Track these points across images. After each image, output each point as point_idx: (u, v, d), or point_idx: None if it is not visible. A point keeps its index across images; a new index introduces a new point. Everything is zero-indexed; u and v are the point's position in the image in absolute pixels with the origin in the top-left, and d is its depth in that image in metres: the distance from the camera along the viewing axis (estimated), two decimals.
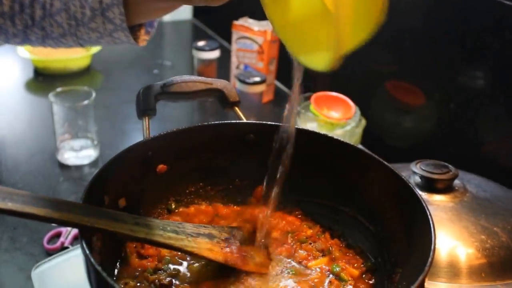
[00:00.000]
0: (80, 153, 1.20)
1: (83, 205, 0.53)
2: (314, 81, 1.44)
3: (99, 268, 0.47)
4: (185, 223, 0.60)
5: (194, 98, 0.71)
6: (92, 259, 0.48)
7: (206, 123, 0.70)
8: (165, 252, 0.63)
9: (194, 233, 0.59)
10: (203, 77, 0.72)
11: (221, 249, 0.60)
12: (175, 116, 1.43)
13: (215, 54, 1.45)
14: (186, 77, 0.71)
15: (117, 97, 1.51)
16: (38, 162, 1.20)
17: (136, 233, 0.54)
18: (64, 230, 0.97)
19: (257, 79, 1.27)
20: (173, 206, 0.72)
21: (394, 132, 1.22)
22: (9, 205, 0.46)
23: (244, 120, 0.71)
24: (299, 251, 0.66)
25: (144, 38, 0.73)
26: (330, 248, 0.67)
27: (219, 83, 0.72)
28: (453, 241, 0.68)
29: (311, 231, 0.70)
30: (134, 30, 0.71)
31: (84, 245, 0.49)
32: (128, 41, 0.70)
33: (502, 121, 0.98)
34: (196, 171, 0.72)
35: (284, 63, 1.47)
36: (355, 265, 0.65)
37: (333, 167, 0.70)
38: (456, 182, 0.77)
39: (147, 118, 0.67)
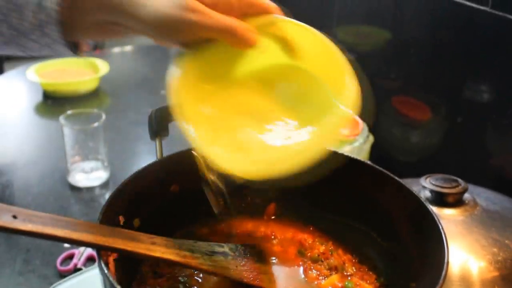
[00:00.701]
0: (90, 175, 1.21)
1: (100, 225, 0.54)
2: None
3: (119, 287, 0.47)
4: (200, 242, 0.61)
5: None
6: (111, 278, 0.48)
7: None
8: (180, 270, 0.64)
9: (209, 252, 0.60)
10: None
11: (236, 267, 0.61)
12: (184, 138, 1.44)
13: None
14: None
15: (126, 119, 1.53)
16: (49, 184, 1.21)
17: (153, 252, 0.54)
18: (77, 251, 0.98)
19: None
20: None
21: (402, 147, 1.23)
22: (29, 227, 0.47)
23: None
24: (309, 272, 0.67)
25: (84, 49, 0.75)
26: (344, 265, 0.67)
27: None
28: (465, 254, 0.69)
29: (324, 247, 0.70)
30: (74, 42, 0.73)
31: (103, 266, 0.50)
32: (68, 53, 0.72)
33: (510, 133, 0.99)
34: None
35: None
36: (368, 281, 0.66)
37: (344, 183, 0.71)
38: (466, 195, 0.77)
39: (159, 139, 0.68)
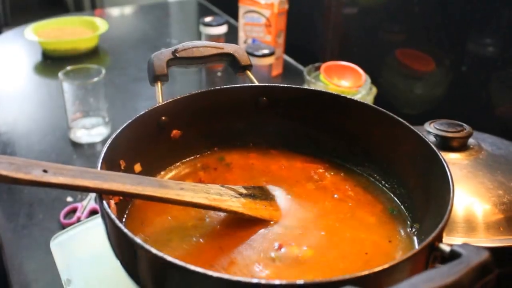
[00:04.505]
0: (92, 131, 1.20)
1: (128, 175, 0.54)
2: (324, 51, 1.43)
3: (122, 226, 0.47)
4: (226, 185, 0.61)
5: (205, 64, 0.71)
6: (112, 217, 0.48)
7: (218, 87, 0.70)
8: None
9: (237, 194, 0.60)
10: (214, 42, 0.71)
11: (264, 206, 0.62)
12: (184, 90, 1.43)
13: (222, 29, 1.44)
14: (197, 42, 0.70)
15: (126, 76, 1.52)
16: (51, 141, 1.21)
17: (182, 197, 0.55)
18: (80, 205, 0.98)
19: (266, 51, 1.27)
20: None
21: (405, 99, 1.22)
22: (61, 179, 0.48)
23: (256, 83, 0.71)
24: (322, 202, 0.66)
25: None
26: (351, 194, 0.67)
27: (230, 47, 0.71)
28: (470, 197, 0.68)
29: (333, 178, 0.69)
30: None
31: (105, 208, 0.50)
32: None
33: None
34: (209, 136, 0.72)
35: (292, 36, 1.47)
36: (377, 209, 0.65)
37: (346, 127, 0.70)
38: (471, 140, 0.76)
39: (159, 83, 0.67)
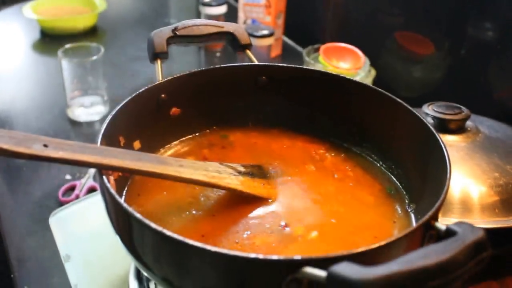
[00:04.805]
0: (90, 110, 1.20)
1: (127, 151, 0.54)
2: (323, 33, 1.43)
3: (122, 201, 0.47)
4: (225, 163, 0.62)
5: (205, 42, 0.71)
6: (112, 191, 0.48)
7: (218, 66, 0.70)
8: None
9: (236, 172, 0.61)
10: (214, 21, 0.71)
11: (263, 185, 0.62)
12: (183, 70, 1.43)
13: (222, 9, 1.43)
14: (197, 21, 0.70)
15: (125, 55, 1.51)
16: (49, 119, 1.21)
17: (181, 174, 0.55)
18: (78, 183, 0.99)
19: (265, 32, 1.26)
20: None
21: (404, 82, 1.22)
22: (61, 154, 0.47)
23: (256, 62, 0.71)
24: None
25: None
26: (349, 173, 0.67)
27: (230, 26, 0.71)
28: (466, 179, 0.68)
29: (334, 158, 0.70)
30: None
31: (105, 183, 0.50)
32: None
33: None
34: (209, 114, 0.72)
35: (291, 17, 1.46)
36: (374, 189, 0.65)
37: (345, 107, 0.70)
38: (469, 123, 0.76)
39: (159, 61, 0.67)
